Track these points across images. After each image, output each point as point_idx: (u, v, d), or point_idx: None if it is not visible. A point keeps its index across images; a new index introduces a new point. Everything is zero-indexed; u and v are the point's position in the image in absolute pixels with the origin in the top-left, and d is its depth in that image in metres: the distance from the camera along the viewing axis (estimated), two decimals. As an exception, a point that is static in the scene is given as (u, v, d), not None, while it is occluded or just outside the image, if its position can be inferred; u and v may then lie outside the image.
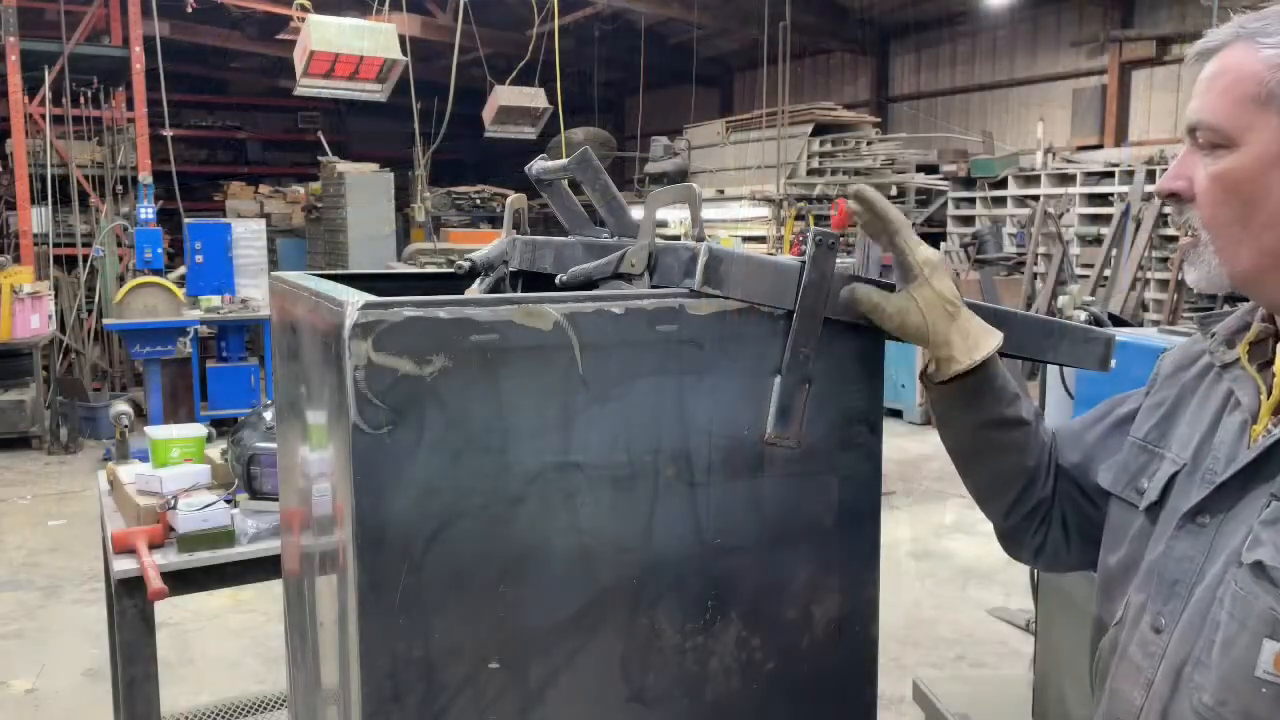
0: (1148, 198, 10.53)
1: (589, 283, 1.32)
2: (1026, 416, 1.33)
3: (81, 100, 9.91)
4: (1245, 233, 1.05)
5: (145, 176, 9.38)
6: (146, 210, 9.13)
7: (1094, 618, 1.28)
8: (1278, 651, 0.97)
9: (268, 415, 2.92)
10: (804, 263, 1.25)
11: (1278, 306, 1.10)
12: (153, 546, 2.74)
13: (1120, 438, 1.32)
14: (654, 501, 1.22)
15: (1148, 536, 1.18)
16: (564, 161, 1.50)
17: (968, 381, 1.27)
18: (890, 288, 1.26)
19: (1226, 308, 1.24)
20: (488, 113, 11.14)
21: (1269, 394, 1.12)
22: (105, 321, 8.57)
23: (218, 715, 3.71)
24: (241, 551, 2.75)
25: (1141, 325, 8.67)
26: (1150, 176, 10.68)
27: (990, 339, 1.26)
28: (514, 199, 1.77)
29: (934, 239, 13.26)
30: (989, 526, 1.43)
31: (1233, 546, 1.05)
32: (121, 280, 8.80)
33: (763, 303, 1.24)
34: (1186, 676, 1.06)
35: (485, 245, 1.78)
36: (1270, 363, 1.14)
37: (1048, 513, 1.37)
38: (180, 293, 8.39)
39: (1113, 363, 1.42)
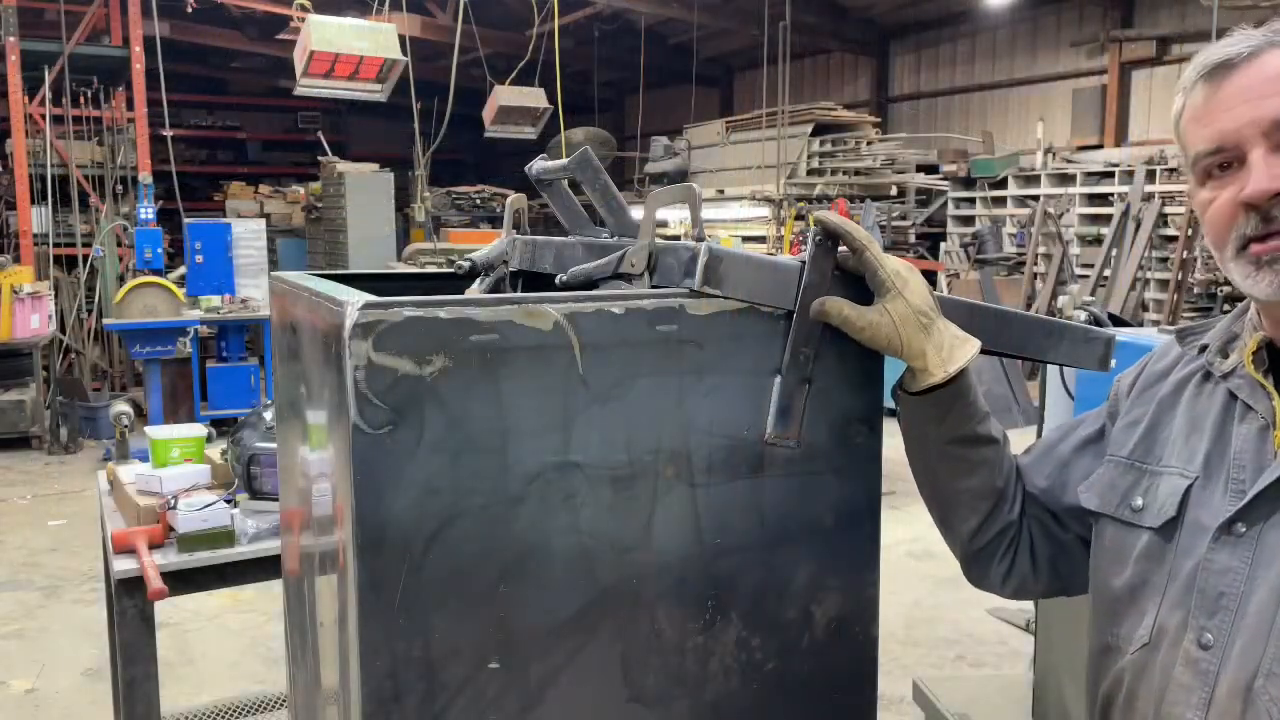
0: (1148, 198, 10.54)
1: (589, 283, 1.32)
2: (996, 435, 1.33)
3: (81, 100, 9.91)
4: None
5: (145, 176, 9.39)
6: (146, 210, 9.13)
7: (1095, 643, 1.25)
8: None
9: (268, 415, 2.92)
10: (804, 263, 1.25)
11: None
12: (153, 546, 2.74)
13: (1090, 459, 1.32)
14: (654, 501, 1.22)
15: (1160, 554, 1.17)
16: (564, 161, 1.50)
17: (942, 394, 1.27)
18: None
19: (1199, 321, 1.23)
20: (488, 113, 11.14)
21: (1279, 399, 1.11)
22: (105, 321, 8.58)
23: (218, 715, 3.71)
24: (241, 551, 2.75)
25: (1141, 325, 8.67)
26: (1150, 176, 10.69)
27: (965, 349, 1.25)
28: (514, 199, 1.77)
29: (934, 239, 13.28)
30: None
31: None
32: (121, 280, 8.81)
33: (763, 303, 1.24)
34: (1259, 690, 1.04)
35: (485, 245, 1.78)
36: (1269, 370, 1.14)
37: (1015, 537, 1.35)
38: (180, 293, 8.39)
39: (1113, 362, 1.42)
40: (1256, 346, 1.16)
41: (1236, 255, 1.10)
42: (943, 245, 12.99)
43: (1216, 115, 1.10)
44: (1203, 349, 1.23)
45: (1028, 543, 1.36)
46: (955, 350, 1.25)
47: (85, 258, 9.53)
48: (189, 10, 10.61)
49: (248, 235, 9.47)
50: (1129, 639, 1.19)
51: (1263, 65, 1.08)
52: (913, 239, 12.95)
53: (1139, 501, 1.20)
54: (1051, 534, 1.35)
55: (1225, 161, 1.11)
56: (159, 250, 8.80)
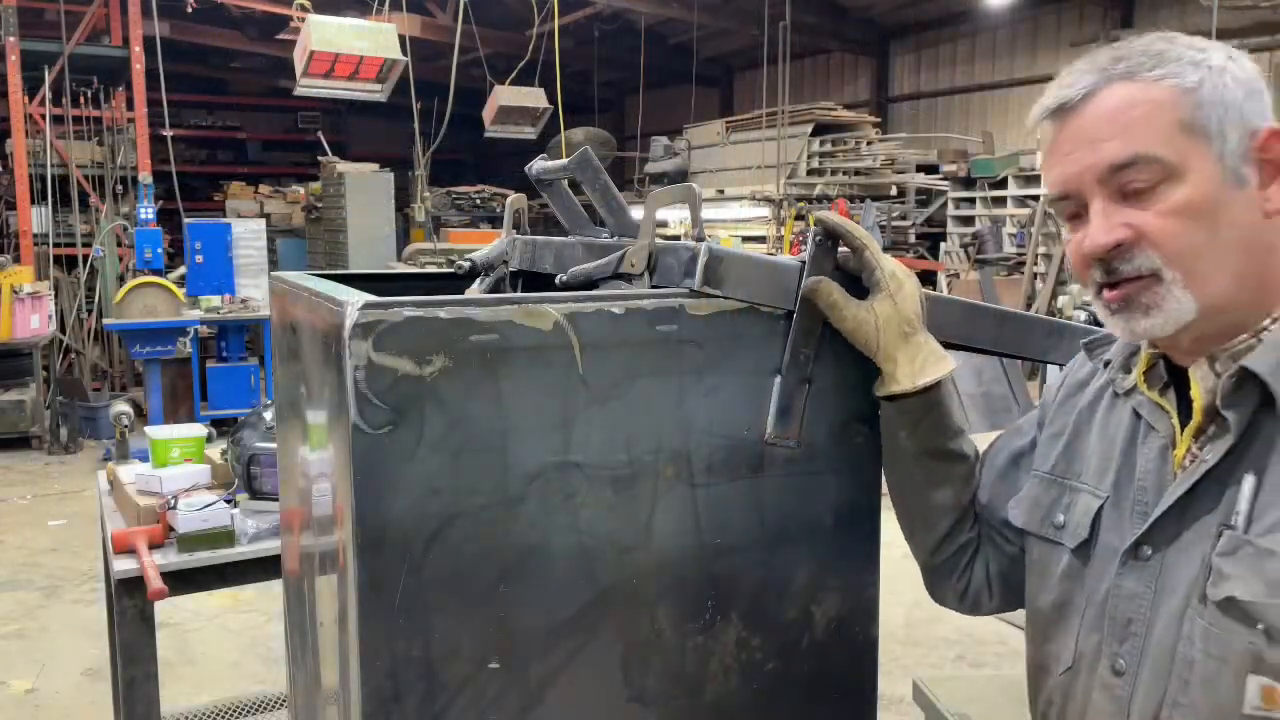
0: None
1: (589, 283, 1.32)
2: (968, 452, 1.32)
3: (81, 100, 9.91)
4: (1216, 257, 1.02)
5: (145, 176, 9.38)
6: (146, 210, 9.13)
7: (1030, 660, 1.25)
8: (1264, 685, 0.96)
9: (268, 415, 2.92)
10: (804, 263, 1.25)
11: (1243, 326, 1.05)
12: (153, 546, 2.74)
13: (1021, 473, 1.30)
14: (654, 501, 1.22)
15: (1079, 575, 1.15)
16: (564, 161, 1.50)
17: (910, 404, 1.27)
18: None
19: (1108, 332, 1.18)
20: (488, 113, 11.14)
21: (1178, 418, 1.09)
22: (105, 321, 8.58)
23: (218, 715, 3.70)
24: (241, 551, 2.75)
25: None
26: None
27: (939, 366, 1.26)
28: (514, 199, 1.77)
29: (934, 239, 13.27)
30: None
31: (1187, 579, 1.03)
32: (121, 280, 8.80)
33: (763, 303, 1.24)
34: (1165, 719, 1.04)
35: (485, 245, 1.78)
36: (1169, 386, 1.12)
37: (973, 555, 1.35)
38: (180, 293, 8.39)
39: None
40: (1149, 364, 1.13)
41: (1095, 298, 1.09)
42: (943, 245, 12.97)
43: (1059, 160, 1.08)
44: (1107, 363, 1.21)
45: (984, 561, 1.35)
46: (928, 365, 1.25)
47: (85, 258, 9.52)
48: (189, 10, 10.60)
49: (248, 235, 9.46)
50: (1056, 659, 1.18)
51: (1097, 106, 1.05)
52: (913, 239, 12.94)
53: (1060, 519, 1.19)
54: (1000, 548, 1.33)
55: (1074, 211, 1.08)
56: (159, 250, 8.79)
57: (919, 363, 1.25)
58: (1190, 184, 1.02)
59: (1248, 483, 1.00)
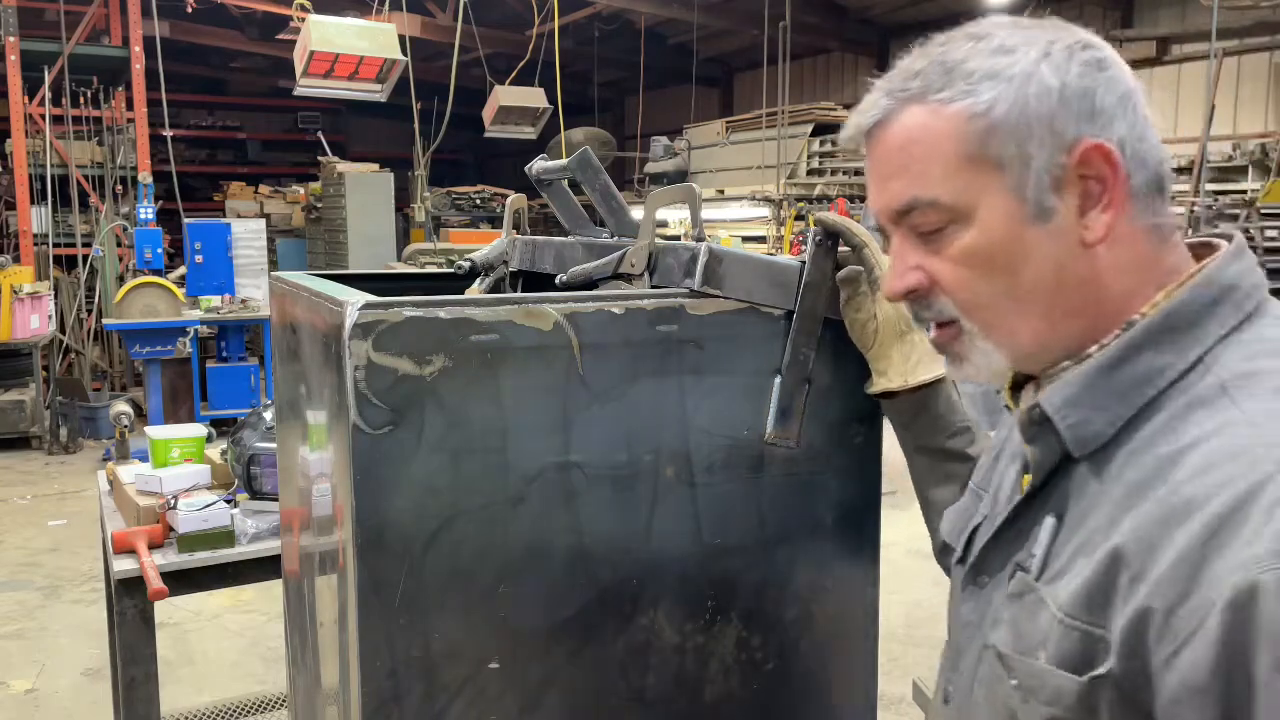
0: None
1: (589, 283, 1.32)
2: (971, 452, 1.26)
3: (81, 100, 9.91)
4: (1017, 304, 0.90)
5: (145, 176, 9.38)
6: (146, 210, 9.13)
7: None
8: None
9: (268, 415, 2.92)
10: (804, 263, 1.25)
11: (1074, 350, 0.92)
12: (153, 546, 2.74)
13: None
14: (654, 501, 1.22)
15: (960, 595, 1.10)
16: (564, 161, 1.50)
17: (902, 402, 1.26)
18: None
19: None
20: (488, 113, 11.13)
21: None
22: (105, 321, 8.58)
23: (218, 715, 3.70)
24: (241, 551, 2.75)
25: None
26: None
27: (931, 368, 1.24)
28: (514, 199, 1.77)
29: (934, 239, 13.26)
30: None
31: (991, 615, 0.97)
32: (121, 280, 8.80)
33: (763, 303, 1.24)
34: None
35: (485, 245, 1.78)
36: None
37: None
38: (180, 293, 8.39)
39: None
40: (1011, 382, 1.03)
41: None
42: (943, 245, 12.97)
43: (868, 190, 1.00)
44: None
45: None
46: (920, 366, 1.25)
47: (85, 258, 9.53)
48: (189, 10, 10.60)
49: (248, 235, 9.47)
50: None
51: (886, 138, 0.96)
52: (913, 239, 12.95)
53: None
54: None
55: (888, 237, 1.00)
56: (159, 250, 8.78)
57: (912, 362, 1.25)
58: (978, 227, 0.90)
59: (1047, 525, 0.91)
